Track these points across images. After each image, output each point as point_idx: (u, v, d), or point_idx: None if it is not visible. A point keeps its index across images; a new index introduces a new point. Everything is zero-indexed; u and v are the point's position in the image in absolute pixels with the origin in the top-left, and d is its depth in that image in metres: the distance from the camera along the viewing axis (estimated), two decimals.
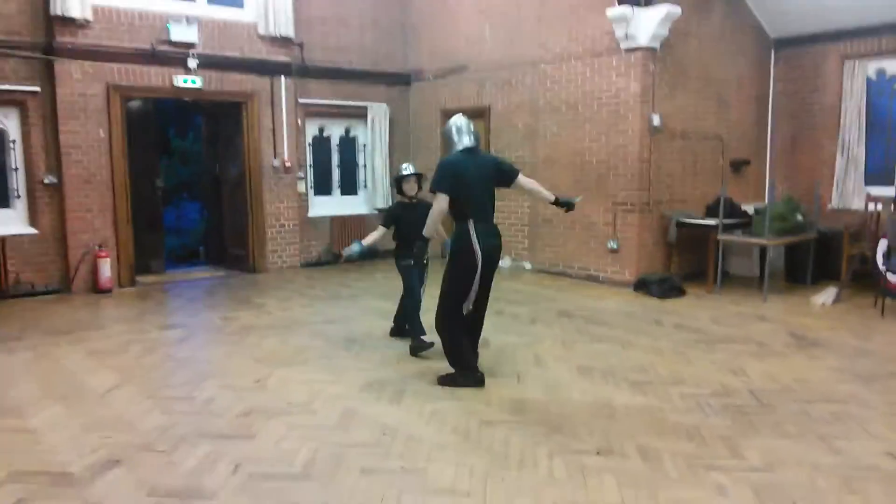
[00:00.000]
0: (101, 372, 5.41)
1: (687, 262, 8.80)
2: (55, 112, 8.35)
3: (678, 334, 6.42)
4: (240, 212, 10.10)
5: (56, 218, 8.51)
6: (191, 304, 8.16)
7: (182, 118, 14.39)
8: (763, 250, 8.29)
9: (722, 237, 8.06)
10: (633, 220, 8.38)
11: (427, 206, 5.15)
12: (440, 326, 5.03)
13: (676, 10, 8.00)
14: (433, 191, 4.80)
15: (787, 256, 8.88)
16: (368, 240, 6.07)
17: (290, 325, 6.91)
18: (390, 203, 11.12)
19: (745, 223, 8.33)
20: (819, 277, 8.42)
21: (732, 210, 8.40)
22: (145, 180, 9.51)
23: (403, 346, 6.03)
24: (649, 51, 8.18)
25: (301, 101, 10.22)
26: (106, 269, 8.56)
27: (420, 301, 6.05)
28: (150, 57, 8.88)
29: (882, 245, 7.34)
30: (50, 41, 8.26)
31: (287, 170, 10.08)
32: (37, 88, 8.27)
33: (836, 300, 7.61)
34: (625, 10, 7.98)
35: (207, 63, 9.29)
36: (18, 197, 8.46)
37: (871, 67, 8.92)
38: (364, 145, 11.14)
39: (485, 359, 5.60)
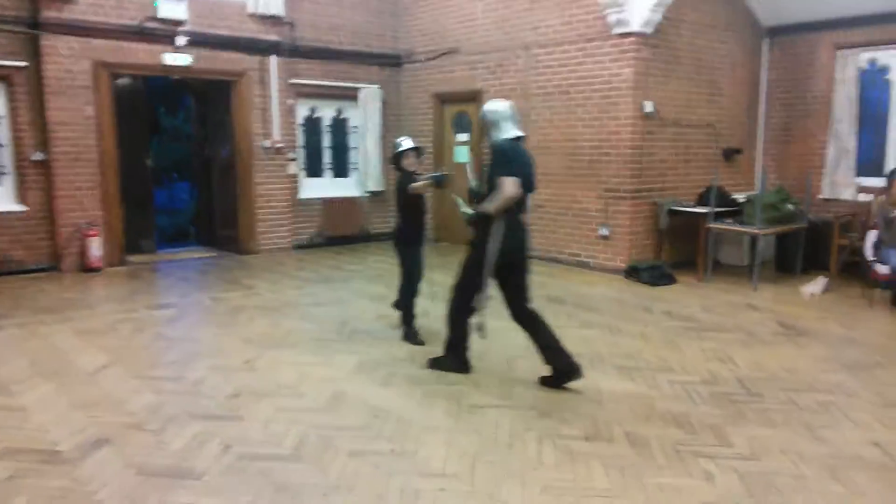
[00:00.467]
0: (91, 351, 5.40)
1: (678, 249, 8.83)
2: (42, 88, 8.25)
3: (668, 322, 6.45)
4: (230, 192, 10.05)
5: (44, 196, 8.43)
6: (181, 284, 8.13)
7: (172, 97, 14.24)
8: (753, 239, 8.33)
9: (713, 226, 8.09)
10: (625, 207, 8.39)
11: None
12: (452, 302, 4.91)
13: None
14: (500, 176, 4.42)
15: (777, 246, 8.92)
16: (420, 183, 5.65)
17: (281, 306, 6.90)
18: (382, 188, 11.10)
19: (736, 212, 8.36)
20: (809, 267, 8.47)
21: (723, 199, 8.43)
22: (135, 159, 9.42)
23: (393, 331, 6.03)
24: (642, 36, 8.15)
25: (292, 81, 10.13)
26: (95, 247, 8.51)
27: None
28: (138, 33, 8.77)
29: (871, 236, 7.39)
30: (36, 16, 8.14)
31: (278, 151, 10.01)
32: (24, 63, 8.15)
33: (826, 290, 7.66)
34: None
35: (197, 41, 9.18)
36: (6, 174, 8.37)
37: (864, 57, 8.92)
38: (355, 127, 11.07)
39: (475, 344, 5.60)
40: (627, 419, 4.17)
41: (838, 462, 3.65)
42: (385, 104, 11.14)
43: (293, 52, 10.09)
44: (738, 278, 8.35)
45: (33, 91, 8.27)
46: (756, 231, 7.80)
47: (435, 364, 5.03)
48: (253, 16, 9.64)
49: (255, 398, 4.45)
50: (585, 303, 7.12)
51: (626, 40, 8.19)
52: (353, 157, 11.18)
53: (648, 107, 8.30)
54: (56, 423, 4.04)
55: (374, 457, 3.66)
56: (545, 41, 9.12)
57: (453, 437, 3.90)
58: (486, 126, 4.75)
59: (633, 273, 8.20)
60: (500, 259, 4.56)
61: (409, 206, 5.72)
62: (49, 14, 8.17)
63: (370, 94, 10.89)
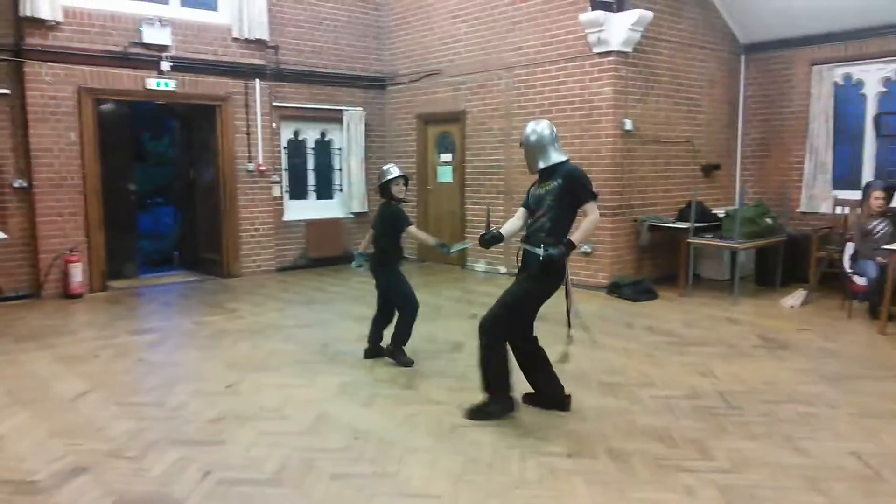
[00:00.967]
0: (70, 378, 5.35)
1: (659, 265, 8.90)
2: (25, 115, 8.24)
3: (649, 337, 6.48)
4: (214, 216, 10.04)
5: (26, 222, 8.39)
6: (163, 308, 8.09)
7: (157, 122, 14.23)
8: (733, 253, 8.40)
9: (693, 241, 8.15)
10: (607, 224, 8.44)
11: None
12: (486, 333, 4.43)
13: (648, 14, 8.10)
14: (589, 200, 4.27)
15: (757, 259, 9.01)
16: (426, 237, 5.87)
17: (264, 329, 6.88)
18: (366, 210, 11.13)
19: (716, 227, 8.44)
20: (788, 280, 8.54)
21: (703, 214, 8.51)
22: (118, 184, 9.41)
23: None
24: (622, 55, 8.27)
25: (276, 104, 10.18)
26: (77, 273, 8.46)
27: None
28: (123, 59, 8.80)
29: (849, 248, 7.47)
30: (19, 42, 8.16)
31: (262, 173, 10.03)
32: (6, 91, 8.15)
33: (805, 303, 7.73)
34: (598, 14, 8.05)
35: (181, 66, 9.22)
36: None
37: (838, 73, 9.07)
38: (339, 149, 11.12)
39: (459, 363, 5.64)
40: (610, 435, 4.18)
41: (818, 473, 3.67)
42: (369, 126, 11.21)
43: (277, 75, 10.15)
44: (719, 292, 8.41)
45: (17, 117, 8.25)
46: (736, 245, 7.87)
47: (476, 415, 4.46)
48: (237, 40, 9.70)
49: (238, 422, 4.43)
50: (564, 318, 7.12)
51: (606, 59, 8.30)
52: (337, 178, 11.22)
53: (628, 124, 8.40)
54: (33, 452, 3.99)
55: (356, 479, 3.65)
56: (527, 61, 9.22)
57: (436, 458, 3.90)
58: (542, 147, 4.39)
59: (615, 289, 8.25)
60: (558, 284, 4.38)
61: (396, 232, 5.69)
62: (33, 41, 8.19)
63: (354, 117, 10.95)
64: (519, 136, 9.23)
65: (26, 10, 8.02)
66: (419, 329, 6.75)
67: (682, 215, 8.60)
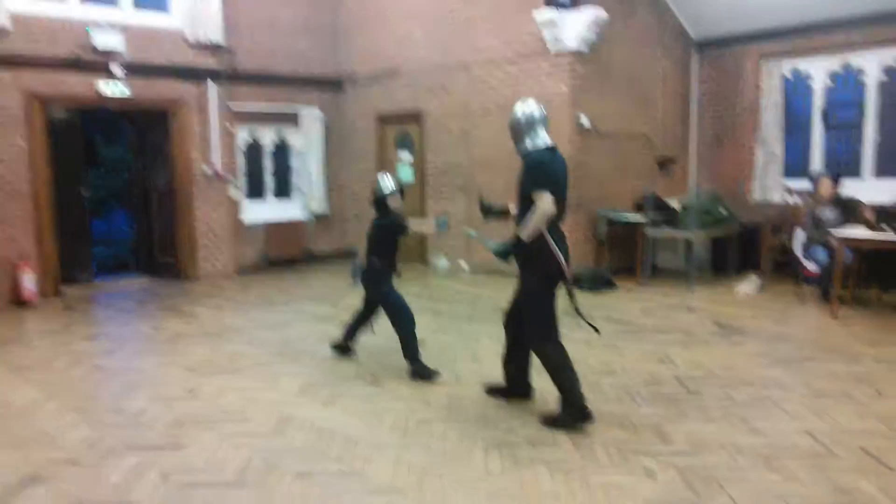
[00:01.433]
0: (24, 387, 5.21)
1: (617, 256, 9.03)
2: None
3: (609, 326, 6.56)
4: (170, 220, 9.88)
5: None
6: (119, 314, 7.95)
7: (110, 127, 13.96)
8: (689, 243, 8.57)
9: (650, 232, 8.29)
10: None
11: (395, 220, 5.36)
12: (544, 358, 4.27)
13: (603, 13, 8.21)
14: (535, 191, 4.08)
15: (712, 249, 9.19)
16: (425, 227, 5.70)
17: (223, 332, 6.80)
18: (326, 210, 11.08)
19: (672, 218, 8.59)
20: (742, 268, 8.74)
21: (659, 206, 8.66)
22: (71, 190, 9.20)
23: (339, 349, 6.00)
24: (577, 53, 8.36)
25: (232, 106, 10.06)
26: (29, 281, 8.25)
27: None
28: (73, 65, 8.60)
29: (799, 235, 7.68)
30: None
31: (218, 176, 9.91)
32: None
33: (759, 289, 7.91)
34: (552, 13, 8.14)
35: (133, 70, 9.06)
36: None
37: (787, 67, 9.30)
38: (298, 150, 11.04)
39: (424, 358, 5.63)
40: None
41: (773, 452, 3.77)
42: (327, 127, 11.15)
43: (232, 78, 10.02)
44: (676, 281, 8.56)
45: None
46: (691, 235, 8.03)
47: (552, 423, 4.24)
48: (191, 43, 9.56)
49: (199, 426, 4.37)
50: None
51: (563, 58, 8.38)
52: (296, 179, 11.13)
53: (585, 121, 8.50)
54: None
55: (321, 477, 3.64)
56: (484, 60, 9.27)
57: (401, 453, 3.90)
58: (519, 132, 4.28)
59: (575, 281, 8.30)
60: (559, 267, 4.13)
61: (391, 244, 5.41)
62: None
63: (312, 117, 10.88)
64: (479, 134, 9.40)
65: None
66: (383, 325, 6.77)
67: (639, 208, 8.74)
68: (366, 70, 10.94)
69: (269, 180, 10.86)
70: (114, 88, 8.92)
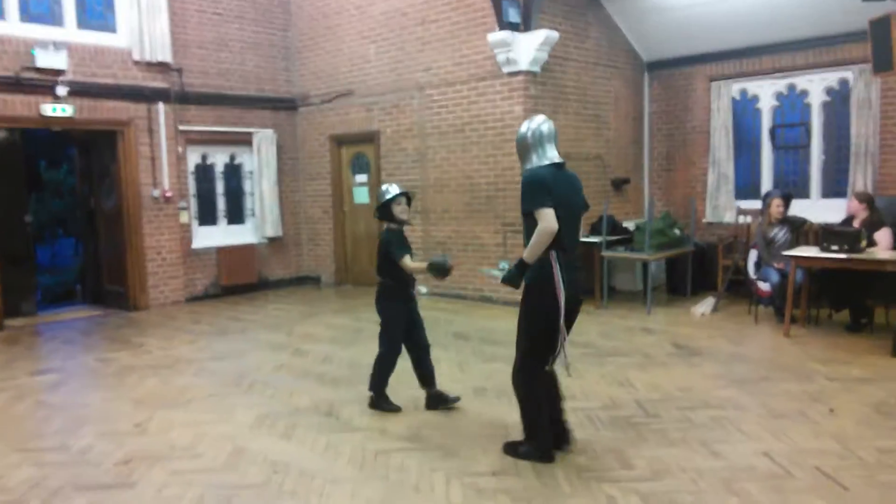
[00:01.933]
0: None
1: None
2: None
3: (568, 349, 6.53)
4: (118, 246, 9.59)
5: None
6: (65, 346, 7.63)
7: (54, 149, 13.59)
8: (645, 265, 8.65)
9: (606, 254, 8.35)
10: (523, 241, 8.53)
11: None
12: (516, 384, 4.15)
13: (554, 34, 8.29)
14: (531, 210, 3.85)
15: (667, 270, 9.30)
16: (416, 265, 5.04)
17: (174, 363, 6.58)
18: (280, 234, 10.89)
19: (628, 239, 8.67)
20: (698, 288, 8.86)
21: (615, 227, 8.73)
22: (12, 216, 8.88)
23: (294, 380, 5.87)
24: (530, 75, 8.42)
25: (181, 128, 9.86)
26: None
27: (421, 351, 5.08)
28: (15, 85, 8.33)
29: (752, 255, 7.81)
30: None
31: (168, 200, 9.67)
32: None
33: (714, 309, 8.02)
34: (505, 34, 8.19)
35: (78, 90, 8.82)
36: None
37: (735, 88, 9.53)
38: (251, 172, 10.86)
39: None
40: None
41: (733, 475, 3.77)
42: (280, 148, 11.01)
43: (182, 98, 9.84)
44: (633, 303, 8.63)
45: None
46: (647, 257, 8.11)
47: (512, 451, 4.15)
48: (138, 63, 9.37)
49: (148, 463, 4.20)
50: (491, 337, 7.16)
51: (516, 79, 8.43)
52: (249, 203, 10.93)
53: None
54: None
55: None
56: (438, 81, 9.27)
57: (358, 486, 3.80)
58: (525, 149, 4.05)
59: None
60: (557, 301, 3.86)
61: (394, 261, 4.99)
62: None
63: (265, 139, 10.73)
64: (434, 156, 9.38)
65: None
66: (340, 354, 6.66)
67: (595, 229, 8.80)
68: (319, 90, 10.86)
69: (220, 203, 10.64)
70: (57, 109, 8.65)
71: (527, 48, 8.24)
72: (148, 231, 9.53)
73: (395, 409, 4.97)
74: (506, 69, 8.45)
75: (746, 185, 9.51)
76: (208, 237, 10.32)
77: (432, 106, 9.40)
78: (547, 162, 3.98)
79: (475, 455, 4.15)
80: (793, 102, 9.15)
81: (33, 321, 8.89)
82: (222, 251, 10.29)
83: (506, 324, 7.76)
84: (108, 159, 9.56)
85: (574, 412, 4.81)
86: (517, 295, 8.76)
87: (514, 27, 8.19)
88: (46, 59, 8.51)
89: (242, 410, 5.11)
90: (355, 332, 7.66)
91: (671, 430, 4.43)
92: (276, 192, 10.82)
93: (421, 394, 5.17)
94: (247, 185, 10.89)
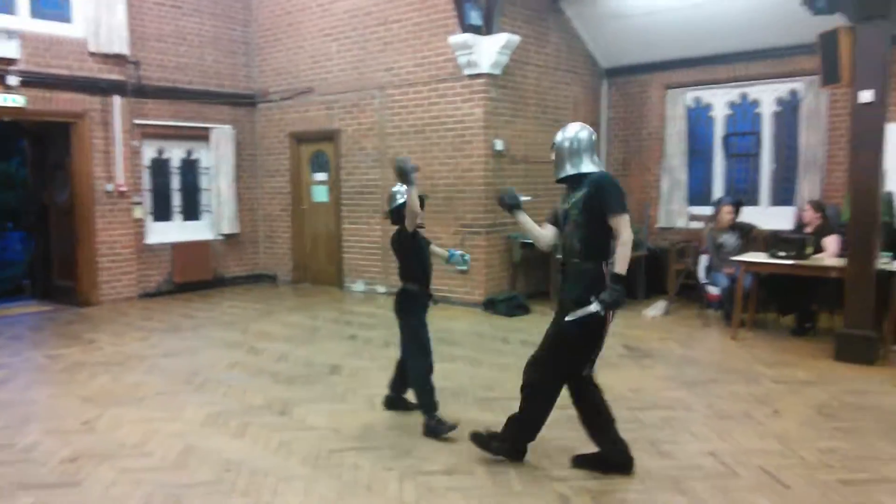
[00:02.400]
0: None
1: (531, 280, 9.17)
2: None
3: (524, 350, 6.55)
4: (69, 241, 9.37)
5: None
6: (11, 342, 7.42)
7: (5, 141, 13.21)
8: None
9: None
10: (480, 242, 8.61)
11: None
12: (538, 388, 3.95)
13: (515, 38, 8.37)
14: (623, 212, 3.64)
15: None
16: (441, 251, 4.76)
17: (125, 360, 6.46)
18: (236, 230, 10.77)
19: None
20: (650, 292, 9.03)
21: None
22: None
23: (248, 378, 5.82)
24: (491, 77, 8.49)
25: (137, 121, 9.68)
26: None
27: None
28: None
29: (703, 260, 8.00)
30: None
31: (122, 194, 9.48)
32: None
33: (666, 313, 8.18)
34: (466, 37, 8.24)
35: (31, 81, 8.59)
36: None
37: (690, 96, 9.74)
38: (207, 168, 10.71)
39: (337, 386, 5.54)
40: None
41: (681, 473, 3.87)
42: (239, 144, 10.89)
43: (138, 91, 9.65)
44: None
45: None
46: None
47: (477, 440, 4.12)
48: (94, 54, 9.16)
49: (95, 461, 4.12)
50: (448, 337, 7.18)
51: (476, 81, 8.49)
52: (206, 198, 10.78)
53: (499, 145, 8.62)
54: None
55: None
56: (399, 82, 9.28)
57: (311, 485, 3.79)
58: (566, 155, 3.85)
59: (490, 305, 8.40)
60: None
61: (418, 262, 4.69)
62: None
63: (223, 134, 10.60)
64: (394, 156, 9.37)
65: None
66: (296, 352, 6.62)
67: None
68: (279, 87, 10.77)
69: (176, 199, 10.47)
70: (8, 99, 8.42)
71: (488, 51, 8.31)
72: (101, 226, 9.32)
73: (451, 428, 4.45)
74: (466, 71, 8.51)
75: (699, 192, 9.73)
76: (163, 233, 10.15)
77: (393, 106, 9.40)
78: (587, 169, 3.80)
79: (428, 454, 4.18)
80: (745, 111, 9.40)
81: None
82: (177, 247, 10.14)
83: (462, 324, 7.83)
84: (61, 152, 9.34)
85: None
86: (476, 296, 8.81)
87: (475, 30, 8.25)
88: None
89: (194, 408, 5.05)
90: (311, 330, 7.63)
91: (622, 430, 4.45)
92: (233, 189, 10.70)
93: (377, 393, 5.17)
94: (203, 181, 10.74)
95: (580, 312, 3.66)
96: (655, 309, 8.23)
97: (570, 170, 3.84)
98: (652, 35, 9.33)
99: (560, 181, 3.96)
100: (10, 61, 8.43)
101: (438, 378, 4.73)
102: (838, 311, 6.62)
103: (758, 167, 9.28)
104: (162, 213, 10.28)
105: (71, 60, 9.01)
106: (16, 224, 13.61)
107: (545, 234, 4.11)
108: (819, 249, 6.84)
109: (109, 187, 9.35)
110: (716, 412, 4.87)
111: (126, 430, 4.63)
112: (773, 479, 3.79)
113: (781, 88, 9.01)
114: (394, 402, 4.97)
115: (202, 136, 10.48)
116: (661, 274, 9.03)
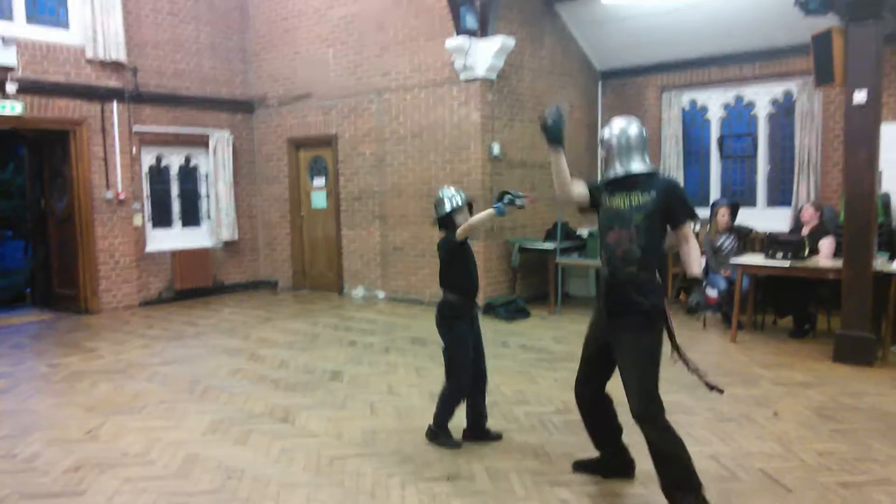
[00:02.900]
0: None
1: (530, 284, 9.19)
2: None
3: (523, 354, 6.66)
4: (69, 249, 9.39)
5: None
6: (13, 351, 7.44)
7: (2, 148, 13.22)
8: (597, 271, 8.78)
9: (560, 261, 8.48)
10: (479, 247, 8.63)
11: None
12: (663, 422, 3.64)
13: (510, 41, 8.41)
14: (687, 220, 3.54)
15: None
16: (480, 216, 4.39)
17: (126, 368, 6.48)
18: (236, 237, 10.79)
19: (581, 246, 8.82)
20: None
21: (568, 234, 8.88)
22: None
23: (250, 385, 5.83)
24: (487, 81, 8.52)
25: (135, 128, 9.70)
26: None
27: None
28: None
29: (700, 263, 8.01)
30: None
31: (121, 202, 9.50)
32: None
33: None
34: (462, 41, 8.28)
35: (29, 88, 8.62)
36: None
37: (685, 98, 9.79)
38: (206, 174, 10.73)
39: (337, 393, 5.56)
40: (488, 455, 4.25)
41: None
42: (237, 150, 10.91)
43: (136, 98, 9.68)
44: (587, 309, 8.70)
45: None
46: (599, 264, 8.23)
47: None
48: (91, 61, 9.20)
49: (98, 470, 4.14)
50: None
51: (472, 85, 8.53)
52: (205, 205, 10.80)
53: (496, 149, 8.65)
54: None
55: None
56: (396, 86, 9.31)
57: (314, 492, 3.81)
58: (615, 153, 3.60)
59: (489, 309, 8.42)
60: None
61: (463, 271, 4.44)
62: None
63: (221, 140, 10.62)
64: (392, 160, 9.41)
65: None
66: (297, 359, 6.64)
67: (550, 236, 8.93)
68: (277, 93, 10.80)
69: (175, 206, 10.49)
70: (6, 107, 8.44)
71: (483, 55, 8.35)
72: (100, 233, 9.35)
73: (455, 446, 4.39)
74: (463, 76, 8.55)
75: (695, 194, 9.76)
76: (162, 240, 10.16)
77: (390, 110, 9.43)
78: (638, 170, 3.54)
79: (430, 460, 4.20)
80: (740, 113, 9.45)
81: None
82: (177, 254, 10.15)
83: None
84: (59, 159, 9.36)
85: (528, 416, 4.91)
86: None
87: (471, 33, 8.29)
88: None
89: (196, 416, 5.07)
90: (312, 336, 7.65)
91: (623, 434, 4.53)
92: (232, 195, 10.72)
93: (377, 399, 5.20)
94: (202, 188, 10.76)
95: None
96: None
97: (619, 169, 3.53)
98: (646, 37, 9.37)
99: (609, 184, 3.61)
100: (8, 69, 8.45)
101: (438, 383, 4.75)
102: (836, 313, 6.65)
103: (754, 169, 9.32)
104: (161, 220, 10.29)
105: (68, 68, 9.04)
106: (15, 232, 13.61)
107: (576, 188, 3.67)
108: (815, 251, 6.88)
109: (109, 195, 9.37)
110: (716, 415, 4.89)
111: (128, 439, 4.65)
112: (774, 483, 3.82)
113: (776, 90, 9.05)
114: (475, 433, 4.53)
115: (200, 142, 10.50)
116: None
